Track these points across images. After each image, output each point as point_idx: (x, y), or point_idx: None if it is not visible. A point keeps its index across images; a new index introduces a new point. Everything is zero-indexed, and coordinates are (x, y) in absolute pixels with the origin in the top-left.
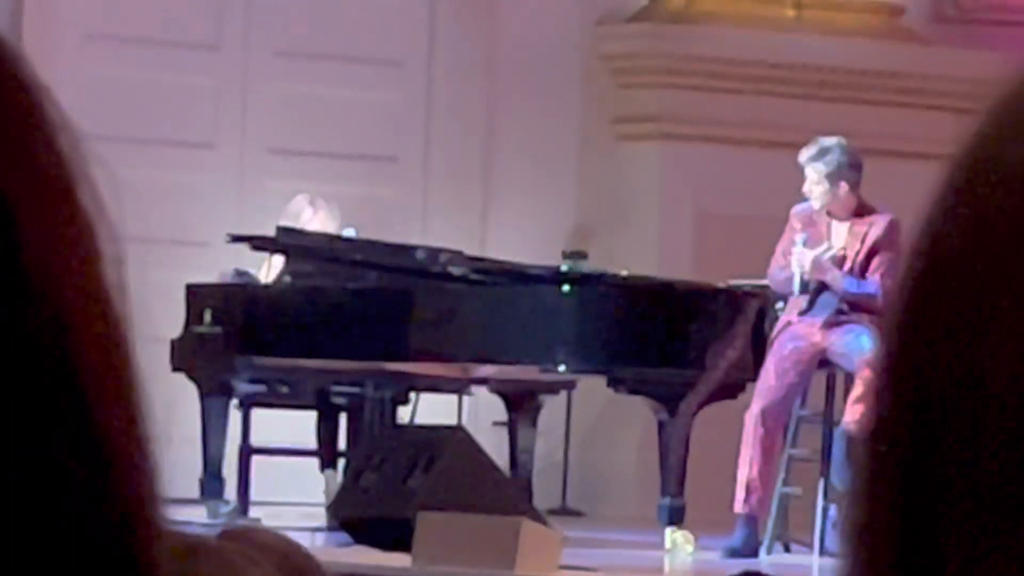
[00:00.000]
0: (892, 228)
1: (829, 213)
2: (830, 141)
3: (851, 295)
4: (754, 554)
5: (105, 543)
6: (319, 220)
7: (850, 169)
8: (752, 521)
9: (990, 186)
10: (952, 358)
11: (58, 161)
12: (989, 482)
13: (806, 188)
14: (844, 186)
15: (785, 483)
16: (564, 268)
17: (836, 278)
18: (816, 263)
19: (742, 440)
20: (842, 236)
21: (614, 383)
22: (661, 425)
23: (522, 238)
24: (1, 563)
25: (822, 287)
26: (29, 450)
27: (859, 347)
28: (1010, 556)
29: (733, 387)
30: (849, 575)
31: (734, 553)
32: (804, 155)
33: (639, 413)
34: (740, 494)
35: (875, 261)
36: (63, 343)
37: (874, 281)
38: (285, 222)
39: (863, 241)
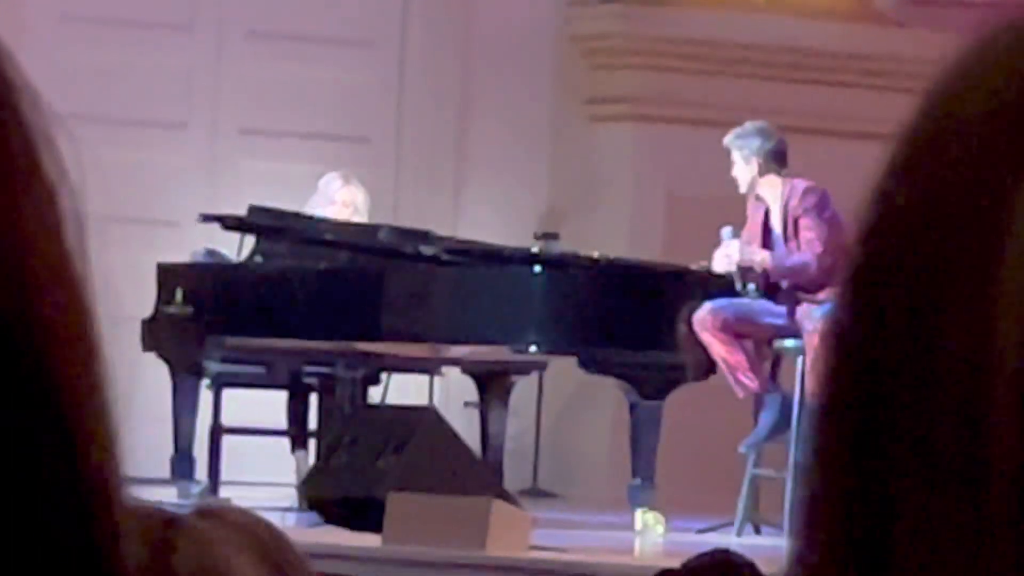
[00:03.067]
0: (808, 194)
1: (758, 197)
2: (750, 125)
3: (783, 270)
4: (787, 425)
5: (68, 511)
6: (348, 193)
7: (767, 152)
8: (759, 395)
9: (941, 150)
10: (903, 325)
11: (18, 123)
12: (939, 451)
13: (732, 172)
14: (755, 162)
15: (756, 465)
16: (536, 249)
17: (764, 259)
18: (742, 251)
19: (710, 348)
20: (778, 217)
21: (585, 364)
22: (632, 406)
23: (494, 219)
24: None
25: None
26: None
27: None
28: (960, 527)
29: (705, 368)
30: (800, 550)
31: (777, 428)
32: (726, 139)
33: (610, 394)
34: (735, 379)
35: (801, 231)
36: (24, 308)
37: (803, 252)
38: (315, 198)
39: (786, 214)
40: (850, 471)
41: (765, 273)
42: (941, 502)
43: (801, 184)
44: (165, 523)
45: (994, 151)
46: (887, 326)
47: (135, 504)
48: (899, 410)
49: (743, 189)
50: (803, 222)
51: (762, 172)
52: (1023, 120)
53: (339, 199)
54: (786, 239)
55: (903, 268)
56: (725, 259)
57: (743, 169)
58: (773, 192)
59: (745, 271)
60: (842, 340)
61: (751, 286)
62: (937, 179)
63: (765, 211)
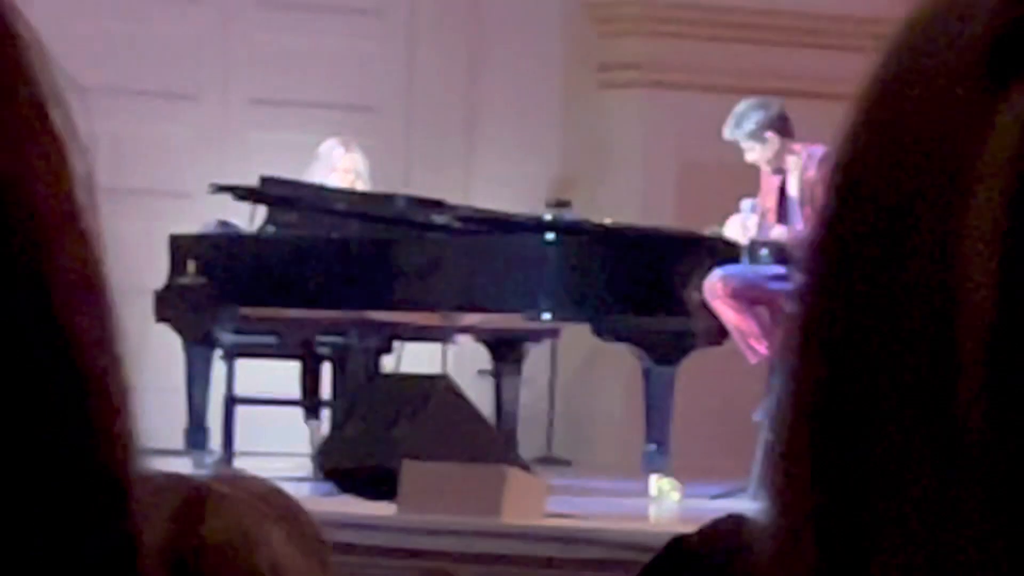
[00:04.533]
0: (825, 161)
1: (781, 170)
2: (742, 105)
3: (802, 240)
4: None
5: (82, 459)
6: (351, 160)
7: (773, 120)
8: (772, 361)
9: (907, 89)
10: (871, 269)
11: (26, 76)
12: (907, 393)
13: (749, 159)
14: (771, 135)
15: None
16: (548, 216)
17: (779, 236)
18: (760, 229)
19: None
20: (796, 185)
21: (599, 331)
22: (646, 372)
23: (506, 187)
24: None
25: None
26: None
27: None
28: (931, 466)
29: (717, 334)
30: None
31: None
32: (726, 132)
33: (624, 361)
34: (747, 345)
35: (817, 199)
36: (37, 263)
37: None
38: (317, 164)
39: (802, 181)
40: (818, 413)
41: (778, 244)
42: (911, 442)
43: (819, 151)
44: (191, 493)
45: (961, 89)
46: (855, 269)
47: (160, 473)
48: (867, 353)
49: (768, 167)
50: (819, 190)
51: (765, 144)
52: (986, 59)
53: (340, 166)
54: (802, 205)
55: (870, 211)
56: (740, 229)
57: (759, 149)
58: (791, 159)
59: (759, 244)
60: (808, 297)
61: (763, 251)
62: (904, 121)
63: (782, 177)
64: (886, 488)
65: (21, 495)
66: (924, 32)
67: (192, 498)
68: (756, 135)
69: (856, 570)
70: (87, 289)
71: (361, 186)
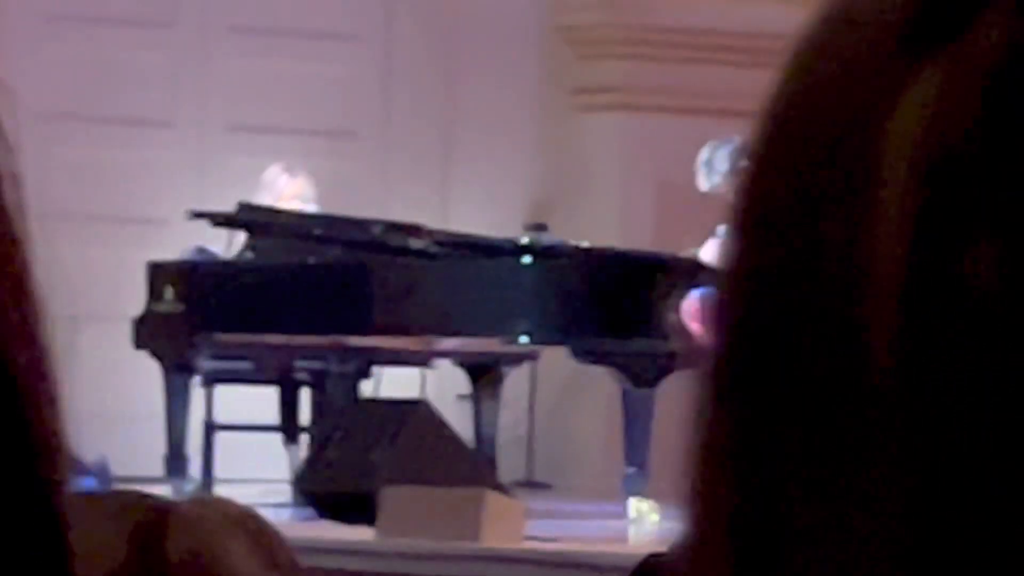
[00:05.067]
0: None
1: None
2: (703, 153)
3: None
4: None
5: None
6: (297, 185)
7: (742, 149)
8: None
9: (823, 53)
10: (783, 248)
11: None
12: (817, 376)
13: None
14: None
15: None
16: (525, 240)
17: None
18: None
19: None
20: None
21: (577, 354)
22: (625, 395)
23: (483, 211)
24: None
25: None
26: None
27: None
28: (843, 459)
29: (696, 357)
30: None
31: None
32: (703, 183)
33: (603, 383)
34: None
35: None
36: None
37: None
38: (262, 192)
39: None
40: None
41: None
42: (821, 436)
43: None
44: (155, 509)
45: (872, 66)
46: (768, 251)
47: (119, 492)
48: (777, 346)
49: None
50: None
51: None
52: (894, 24)
53: (287, 193)
54: None
55: (780, 199)
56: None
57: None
58: None
59: None
60: (728, 276)
61: None
62: (814, 103)
63: None
64: (799, 487)
65: None
66: (834, 17)
67: (153, 517)
68: (734, 170)
69: (770, 570)
70: (13, 288)
71: (310, 211)
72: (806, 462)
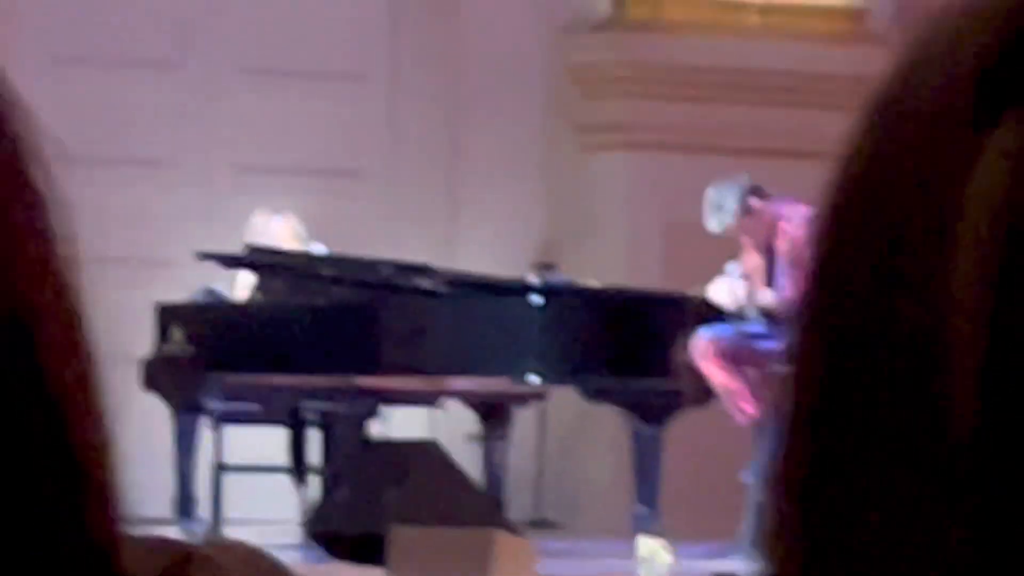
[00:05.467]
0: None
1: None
2: (710, 194)
3: (789, 307)
4: None
5: (66, 518)
6: (290, 224)
7: (749, 189)
8: (761, 422)
9: (899, 124)
10: (856, 329)
11: (6, 132)
12: (899, 437)
13: (743, 241)
14: (755, 202)
15: (761, 490)
16: (533, 279)
17: (769, 301)
18: (749, 296)
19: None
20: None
21: (586, 393)
22: (634, 434)
23: (490, 250)
24: None
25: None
26: None
27: None
28: (922, 515)
29: (704, 394)
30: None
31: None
32: (712, 224)
33: (612, 422)
34: (735, 406)
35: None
36: (19, 317)
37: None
38: (254, 239)
39: (788, 240)
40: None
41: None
42: (902, 491)
43: (805, 211)
44: (178, 554)
45: (947, 127)
46: (844, 317)
47: (145, 537)
48: (858, 401)
49: (758, 240)
50: (807, 251)
51: (751, 214)
52: (972, 96)
53: (284, 235)
54: (790, 266)
55: (857, 256)
56: (728, 294)
57: (749, 225)
58: (775, 223)
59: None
60: (803, 340)
61: (752, 312)
62: (890, 164)
63: (769, 237)
64: (876, 539)
65: (4, 554)
66: (908, 78)
67: (177, 562)
68: (744, 208)
69: None
70: (69, 340)
71: (307, 247)
72: (882, 519)
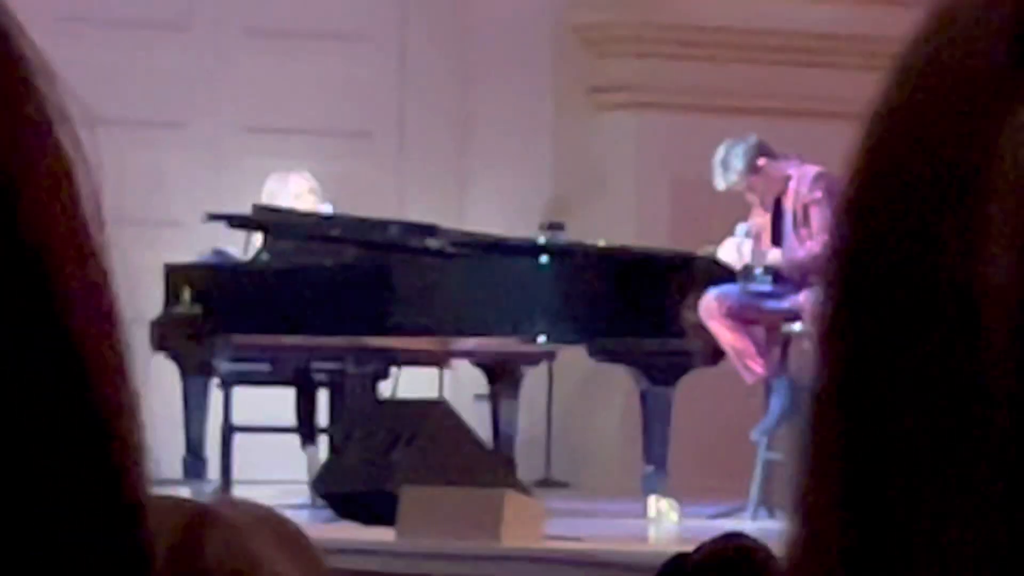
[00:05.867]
0: (818, 180)
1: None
2: (720, 151)
3: (795, 266)
4: (798, 410)
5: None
6: (307, 180)
7: (757, 148)
8: (768, 380)
9: (932, 77)
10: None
11: (33, 95)
12: (934, 401)
13: (750, 199)
14: (763, 161)
15: (768, 449)
16: (542, 239)
17: (775, 259)
18: (753, 255)
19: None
20: (790, 203)
21: (595, 353)
22: (643, 393)
23: (499, 210)
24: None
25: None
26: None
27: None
28: (959, 482)
29: (713, 354)
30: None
31: (787, 412)
32: (719, 182)
33: (620, 382)
34: (743, 365)
35: (812, 219)
36: (44, 275)
37: (813, 242)
38: (277, 200)
39: (796, 200)
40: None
41: (774, 266)
42: (939, 456)
43: (811, 170)
44: (193, 513)
45: (976, 81)
46: (876, 279)
47: (159, 497)
48: (893, 366)
49: (769, 200)
50: (814, 210)
51: (759, 171)
52: (1005, 36)
53: (300, 191)
54: (796, 225)
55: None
56: (735, 252)
57: (757, 183)
58: (782, 182)
59: (753, 267)
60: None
61: (758, 271)
62: (921, 122)
63: (777, 196)
64: (916, 504)
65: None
66: (942, 31)
67: (192, 521)
68: (751, 167)
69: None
70: (93, 299)
71: (317, 200)
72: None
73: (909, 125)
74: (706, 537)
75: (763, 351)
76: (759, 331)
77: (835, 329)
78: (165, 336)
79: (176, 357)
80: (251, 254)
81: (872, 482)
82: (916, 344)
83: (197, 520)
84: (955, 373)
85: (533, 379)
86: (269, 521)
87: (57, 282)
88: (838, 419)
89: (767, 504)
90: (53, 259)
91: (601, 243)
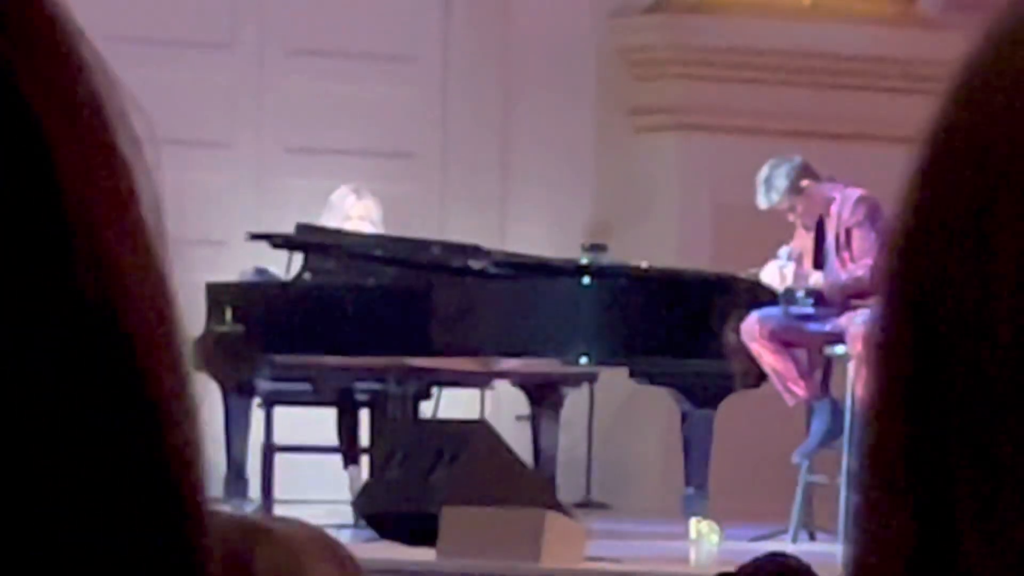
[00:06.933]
0: (860, 203)
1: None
2: (764, 170)
3: (837, 289)
4: (839, 432)
5: (156, 484)
6: (364, 207)
7: (802, 169)
8: (809, 403)
9: (991, 95)
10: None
11: (92, 97)
12: (997, 408)
13: (791, 220)
14: (807, 183)
15: (810, 471)
16: (584, 261)
17: (817, 281)
18: (796, 277)
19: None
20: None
21: (636, 374)
22: (684, 415)
23: (541, 231)
24: (52, 533)
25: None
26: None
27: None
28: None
29: (755, 376)
30: (857, 552)
31: (829, 435)
32: (761, 201)
33: (662, 404)
34: (784, 387)
35: (853, 242)
36: (103, 281)
37: (856, 266)
38: (329, 213)
39: (839, 224)
40: (909, 447)
41: (815, 289)
42: (1007, 471)
43: (854, 193)
44: (246, 527)
45: None
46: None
47: (214, 510)
48: (960, 371)
49: (810, 223)
50: (856, 233)
51: (803, 193)
52: None
53: (354, 214)
54: (838, 248)
55: (952, 218)
56: (777, 275)
57: (799, 204)
58: (821, 202)
59: (795, 290)
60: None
61: (799, 294)
62: (986, 125)
63: (819, 220)
64: (989, 516)
65: (99, 521)
66: (997, 49)
67: (245, 535)
68: (794, 188)
69: None
70: (153, 305)
71: (371, 229)
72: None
73: (968, 143)
74: (747, 560)
75: (805, 374)
76: (801, 354)
77: (895, 345)
78: (206, 355)
79: (217, 376)
80: (293, 274)
81: (943, 494)
82: (979, 359)
83: (250, 534)
84: (1016, 381)
85: (574, 400)
86: (319, 539)
87: (114, 285)
88: (903, 435)
89: (808, 527)
90: (110, 264)
91: (643, 264)
